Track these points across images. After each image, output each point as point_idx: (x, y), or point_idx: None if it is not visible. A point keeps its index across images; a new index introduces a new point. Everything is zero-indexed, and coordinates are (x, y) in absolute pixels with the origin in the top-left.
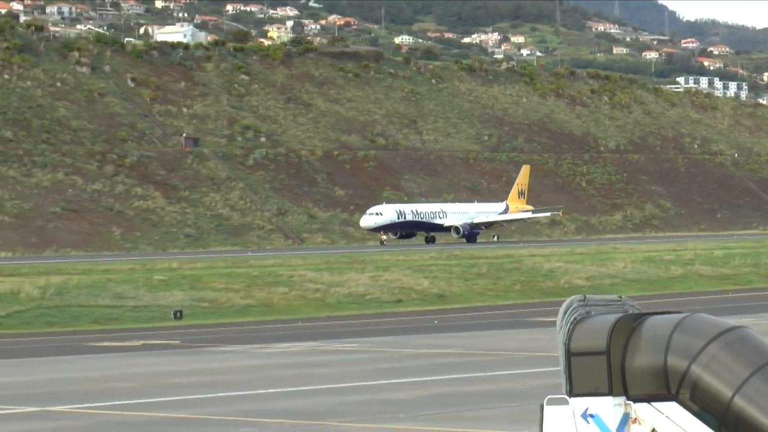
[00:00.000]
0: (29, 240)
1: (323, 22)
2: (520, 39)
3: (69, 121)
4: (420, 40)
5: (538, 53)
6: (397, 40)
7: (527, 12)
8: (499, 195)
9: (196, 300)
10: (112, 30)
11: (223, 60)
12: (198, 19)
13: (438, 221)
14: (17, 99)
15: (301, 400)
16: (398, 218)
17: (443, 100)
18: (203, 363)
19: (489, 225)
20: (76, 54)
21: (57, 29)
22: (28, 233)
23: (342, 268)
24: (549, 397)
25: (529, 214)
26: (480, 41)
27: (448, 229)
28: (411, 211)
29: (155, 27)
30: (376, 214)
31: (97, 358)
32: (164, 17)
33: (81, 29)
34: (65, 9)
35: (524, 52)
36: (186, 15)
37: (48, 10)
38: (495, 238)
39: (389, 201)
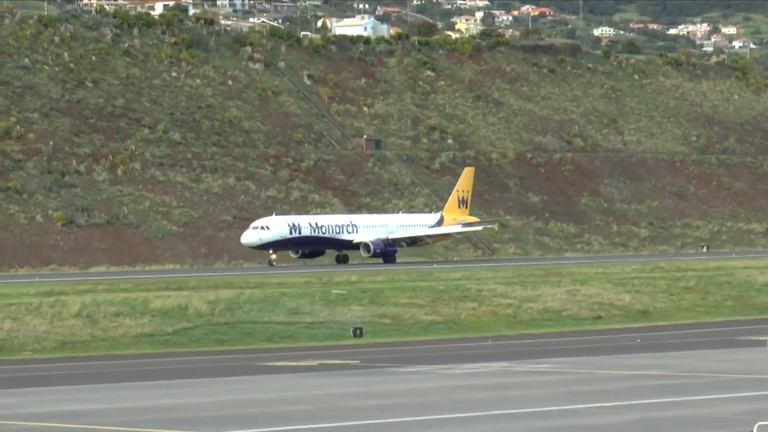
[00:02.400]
0: (198, 251)
1: (516, 13)
2: (731, 30)
3: (241, 122)
4: (621, 32)
5: (752, 45)
6: (597, 32)
7: (739, 0)
8: (709, 201)
9: (377, 316)
10: (288, 23)
11: (407, 55)
12: (380, 10)
13: (345, 237)
14: (186, 98)
15: (490, 426)
16: (291, 233)
17: (646, 97)
18: (384, 384)
19: (412, 241)
20: (248, 49)
21: (228, 23)
22: (197, 243)
23: (536, 281)
24: (759, 424)
25: (458, 228)
26: (687, 32)
27: (358, 246)
28: (309, 224)
29: (334, 20)
30: (262, 228)
31: (271, 379)
32: (343, 9)
33: (254, 23)
34: (237, 1)
35: (736, 44)
36: (367, 6)
37: (219, 2)
38: (705, 248)
39: (587, 208)
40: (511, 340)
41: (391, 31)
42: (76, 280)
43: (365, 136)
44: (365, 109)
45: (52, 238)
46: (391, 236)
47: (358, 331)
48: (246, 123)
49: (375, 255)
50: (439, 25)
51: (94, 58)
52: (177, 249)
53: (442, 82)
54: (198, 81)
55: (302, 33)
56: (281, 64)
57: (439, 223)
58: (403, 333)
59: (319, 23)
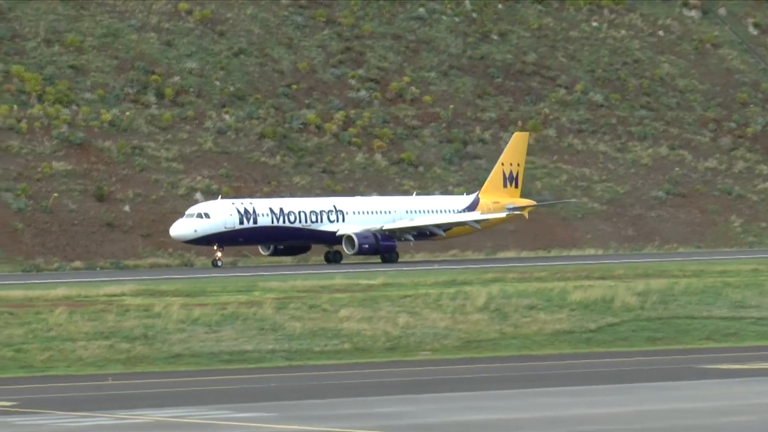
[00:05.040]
0: (624, 233)
1: None
2: None
3: (674, 80)
4: None
5: None
6: None
7: None
8: None
9: None
10: None
11: None
12: None
13: (324, 228)
14: (608, 53)
15: None
16: (242, 222)
17: None
18: None
19: (423, 233)
20: None
21: None
22: (623, 224)
23: None
24: None
25: (489, 215)
26: None
27: (342, 239)
28: (270, 209)
29: None
30: (198, 215)
31: (710, 384)
32: None
33: None
34: None
35: None
36: None
37: None
38: None
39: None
40: None
41: None
42: (481, 268)
43: None
44: None
45: None
46: (387, 227)
47: None
48: (680, 81)
49: (362, 252)
50: None
51: (500, 6)
52: (599, 231)
53: None
54: (623, 32)
55: None
56: (721, 11)
57: (473, 206)
58: None
59: None
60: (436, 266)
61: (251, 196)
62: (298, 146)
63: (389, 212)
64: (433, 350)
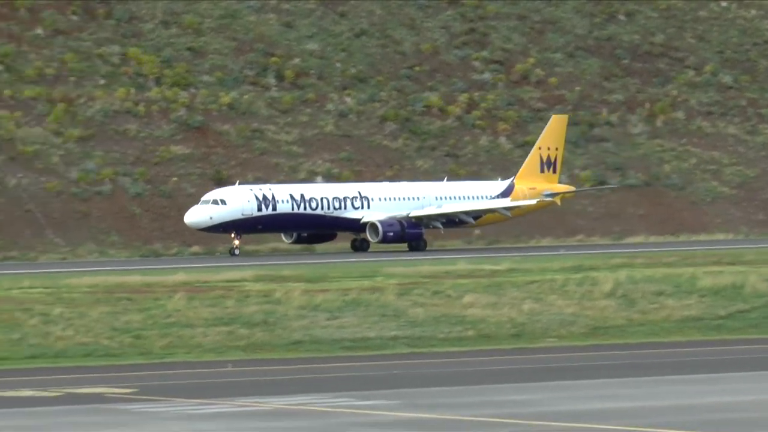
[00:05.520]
0: (755, 217)
1: None
2: None
3: None
4: None
5: None
6: None
7: None
8: None
9: None
10: None
11: None
12: None
13: (348, 215)
14: (738, 33)
15: None
16: (260, 208)
17: None
18: None
19: (452, 221)
20: None
21: None
22: (752, 208)
23: None
24: None
25: (512, 201)
26: None
27: (365, 227)
28: (290, 196)
29: None
30: (214, 202)
31: None
32: None
33: None
34: None
35: None
36: None
37: None
38: None
39: None
40: None
41: None
42: (607, 253)
43: None
44: None
45: (578, 203)
46: (413, 214)
47: None
48: None
49: (387, 240)
50: None
51: None
52: (729, 215)
53: None
54: (753, 12)
55: None
56: None
57: (507, 193)
58: None
59: None
60: (561, 251)
61: (373, 180)
62: (421, 129)
63: (417, 198)
64: (559, 337)
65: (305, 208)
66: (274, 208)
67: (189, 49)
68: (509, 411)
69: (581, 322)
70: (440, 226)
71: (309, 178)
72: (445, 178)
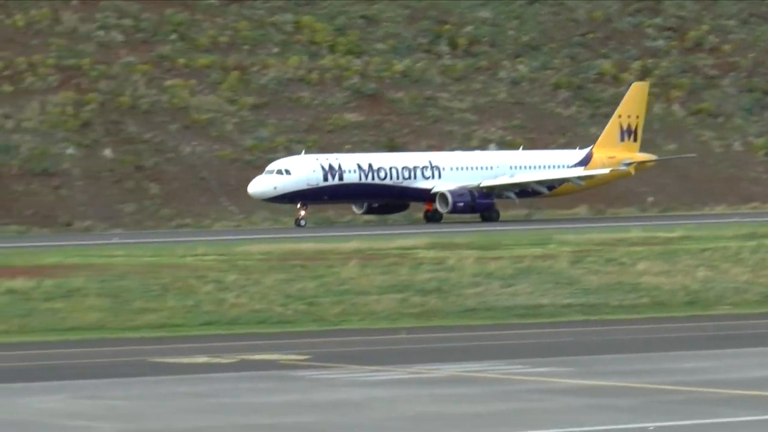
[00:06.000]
0: None
1: None
2: None
3: None
4: None
5: None
6: None
7: None
8: None
9: None
10: None
11: None
12: None
13: (417, 185)
14: None
15: None
16: (326, 178)
17: None
18: None
19: (525, 191)
20: None
21: None
22: None
23: None
24: None
25: (587, 171)
26: None
27: (436, 197)
28: (357, 165)
29: None
30: (278, 172)
31: None
32: None
33: None
34: None
35: None
36: None
37: None
38: None
39: None
40: None
41: None
42: None
43: None
44: None
45: (753, 170)
46: (485, 183)
47: None
48: None
49: (456, 210)
50: None
51: None
52: None
53: None
54: None
55: None
56: None
57: (585, 162)
58: None
59: None
60: (735, 219)
61: (546, 148)
62: (594, 97)
63: (490, 168)
64: (734, 304)
65: (373, 178)
66: (341, 178)
67: (362, 17)
68: (681, 378)
69: (755, 290)
70: (513, 196)
71: (482, 146)
72: (521, 147)
